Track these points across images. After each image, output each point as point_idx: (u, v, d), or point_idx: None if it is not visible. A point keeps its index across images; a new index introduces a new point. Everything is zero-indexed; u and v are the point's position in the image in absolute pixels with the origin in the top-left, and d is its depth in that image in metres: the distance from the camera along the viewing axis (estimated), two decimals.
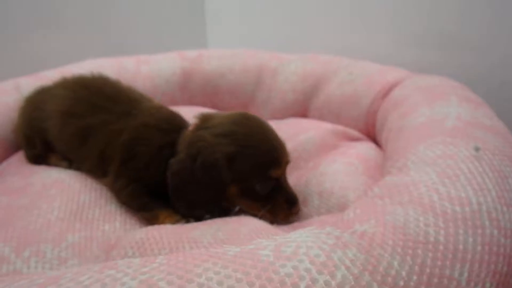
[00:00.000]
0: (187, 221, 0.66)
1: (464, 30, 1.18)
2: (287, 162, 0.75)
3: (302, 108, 1.26)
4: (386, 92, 1.06)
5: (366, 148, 0.99)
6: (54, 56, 1.28)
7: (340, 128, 1.09)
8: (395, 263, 0.38)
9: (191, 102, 1.32)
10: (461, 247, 0.42)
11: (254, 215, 0.69)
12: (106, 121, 0.76)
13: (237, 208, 0.74)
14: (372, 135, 1.12)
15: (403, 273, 0.38)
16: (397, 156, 0.65)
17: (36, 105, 0.86)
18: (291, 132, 1.06)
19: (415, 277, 0.38)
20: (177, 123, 0.77)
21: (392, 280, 0.37)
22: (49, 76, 1.00)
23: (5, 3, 1.32)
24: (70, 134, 0.78)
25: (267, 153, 0.70)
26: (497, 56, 1.13)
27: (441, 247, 0.42)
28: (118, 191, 0.73)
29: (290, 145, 0.99)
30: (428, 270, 0.39)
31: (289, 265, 0.36)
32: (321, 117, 1.20)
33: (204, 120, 0.72)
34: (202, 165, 0.65)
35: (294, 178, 0.93)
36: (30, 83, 1.03)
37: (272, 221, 0.70)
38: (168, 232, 0.57)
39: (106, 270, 0.34)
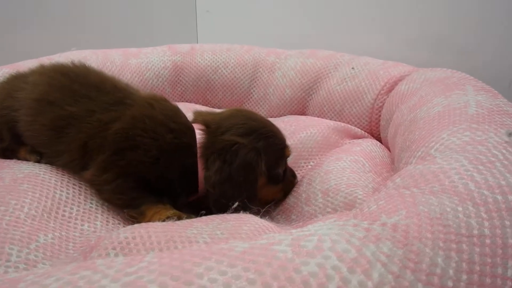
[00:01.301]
0: (180, 218, 0.59)
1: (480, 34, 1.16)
2: None
3: (300, 105, 1.20)
4: (391, 87, 1.01)
5: (370, 145, 0.93)
6: (37, 50, 1.19)
7: (342, 125, 1.02)
8: (439, 260, 0.31)
9: (182, 98, 1.25)
10: (511, 241, 0.35)
11: (269, 201, 0.75)
12: (91, 111, 0.67)
13: (235, 205, 0.67)
14: (375, 133, 1.06)
15: (451, 272, 0.31)
16: (415, 146, 0.58)
17: (7, 92, 0.76)
18: (290, 130, 1.00)
19: (464, 277, 0.31)
20: (184, 122, 0.71)
21: (438, 280, 0.30)
22: (29, 66, 0.90)
23: None
24: (45, 124, 0.69)
25: (281, 137, 0.75)
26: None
27: (487, 241, 0.35)
28: (102, 185, 0.65)
29: (289, 143, 0.93)
30: (477, 268, 0.32)
31: (313, 262, 0.29)
32: (321, 114, 1.14)
33: (213, 124, 0.70)
34: (240, 167, 0.65)
35: None
36: (6, 73, 0.93)
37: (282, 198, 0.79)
38: (158, 231, 0.49)
39: (81, 271, 0.26)
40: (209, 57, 1.28)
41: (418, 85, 0.86)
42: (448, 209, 0.38)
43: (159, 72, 1.22)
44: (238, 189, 0.65)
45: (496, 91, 0.74)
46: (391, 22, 1.34)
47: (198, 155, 0.67)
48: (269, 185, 0.73)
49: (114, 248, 0.47)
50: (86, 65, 0.79)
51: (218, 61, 1.27)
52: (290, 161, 0.90)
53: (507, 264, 0.34)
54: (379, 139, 1.04)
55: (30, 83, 0.74)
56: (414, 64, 1.08)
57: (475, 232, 0.35)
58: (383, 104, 1.00)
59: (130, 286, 0.25)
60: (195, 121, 0.72)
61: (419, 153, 0.55)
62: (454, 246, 0.33)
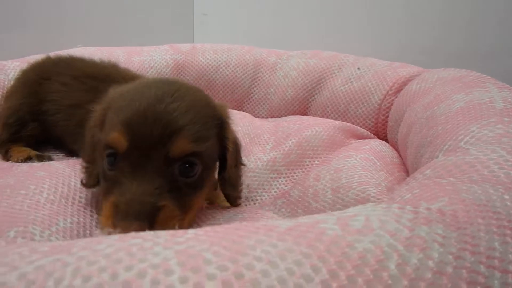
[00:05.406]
0: None
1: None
2: (145, 137, 0.48)
3: (302, 106, 1.18)
4: (400, 87, 0.99)
5: (379, 145, 0.92)
6: (45, 46, 1.17)
7: (347, 125, 1.01)
8: (496, 244, 0.30)
9: None
10: None
11: None
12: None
13: None
14: (381, 134, 1.04)
15: (510, 257, 0.29)
16: (440, 140, 0.57)
17: (35, 92, 0.80)
18: (294, 128, 0.97)
19: None
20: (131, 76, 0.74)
21: (499, 264, 0.28)
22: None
23: None
24: (75, 125, 0.73)
25: (119, 112, 0.50)
26: None
27: None
28: None
29: (294, 141, 0.90)
30: None
31: (366, 240, 0.27)
32: (324, 115, 1.12)
33: None
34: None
35: (299, 176, 0.84)
36: (17, 66, 0.98)
37: None
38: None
39: (129, 239, 0.25)
40: (210, 56, 1.27)
41: (431, 84, 0.84)
42: (494, 197, 0.36)
43: (161, 70, 1.21)
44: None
45: None
46: (387, 26, 1.34)
47: None
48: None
49: None
50: (113, 63, 0.84)
51: (219, 61, 1.26)
52: (295, 159, 0.88)
53: None
54: (385, 140, 1.02)
55: (67, 86, 0.77)
56: None
57: None
58: (392, 104, 0.99)
59: (183, 253, 0.22)
60: None
61: (446, 146, 0.53)
62: (509, 232, 0.31)
